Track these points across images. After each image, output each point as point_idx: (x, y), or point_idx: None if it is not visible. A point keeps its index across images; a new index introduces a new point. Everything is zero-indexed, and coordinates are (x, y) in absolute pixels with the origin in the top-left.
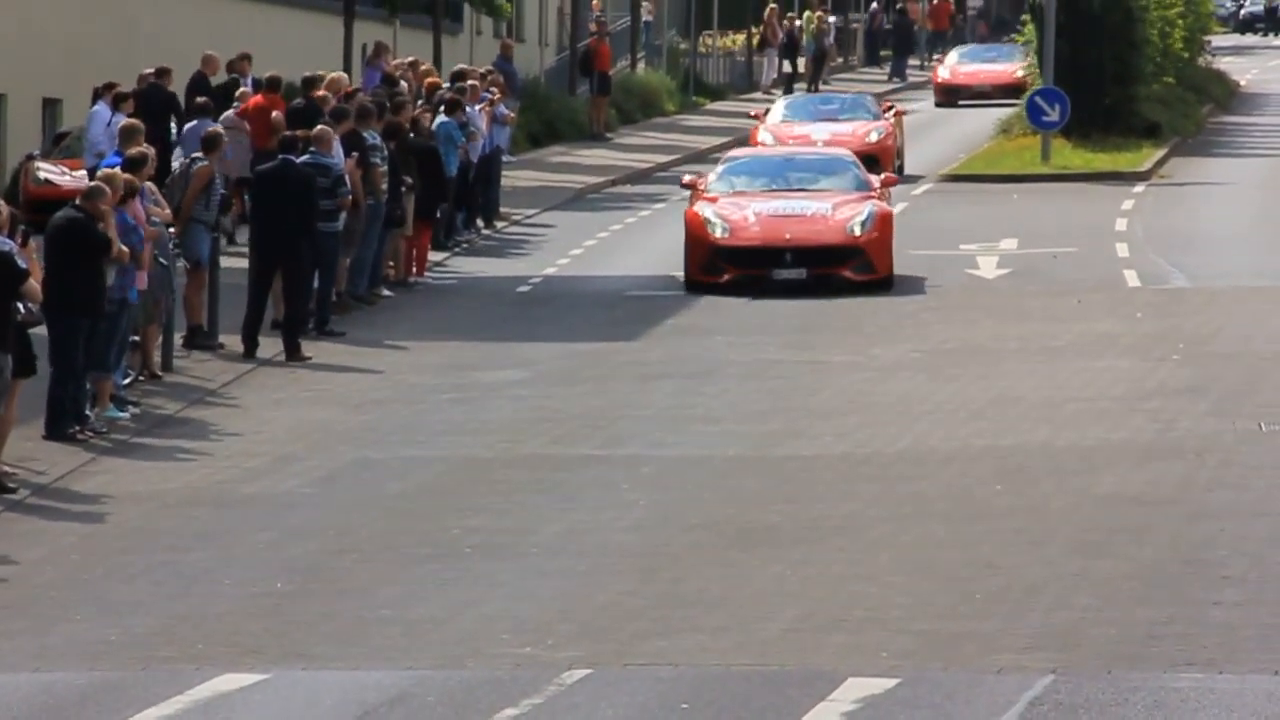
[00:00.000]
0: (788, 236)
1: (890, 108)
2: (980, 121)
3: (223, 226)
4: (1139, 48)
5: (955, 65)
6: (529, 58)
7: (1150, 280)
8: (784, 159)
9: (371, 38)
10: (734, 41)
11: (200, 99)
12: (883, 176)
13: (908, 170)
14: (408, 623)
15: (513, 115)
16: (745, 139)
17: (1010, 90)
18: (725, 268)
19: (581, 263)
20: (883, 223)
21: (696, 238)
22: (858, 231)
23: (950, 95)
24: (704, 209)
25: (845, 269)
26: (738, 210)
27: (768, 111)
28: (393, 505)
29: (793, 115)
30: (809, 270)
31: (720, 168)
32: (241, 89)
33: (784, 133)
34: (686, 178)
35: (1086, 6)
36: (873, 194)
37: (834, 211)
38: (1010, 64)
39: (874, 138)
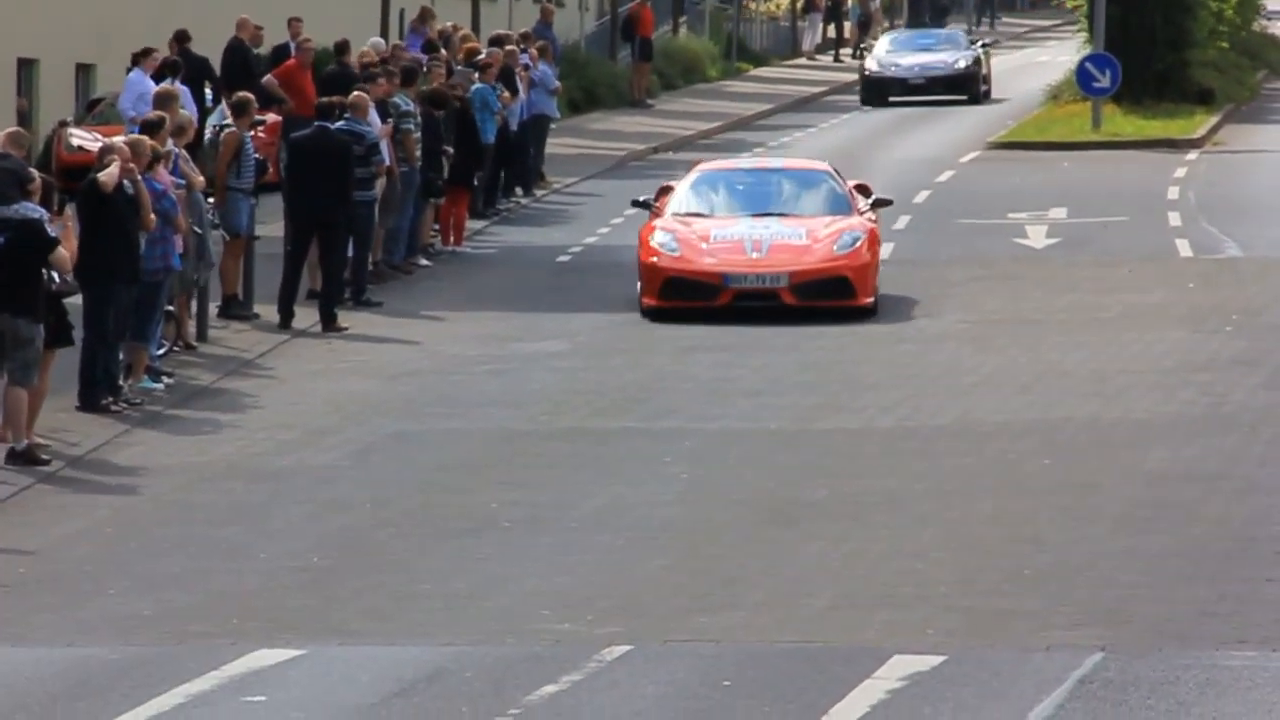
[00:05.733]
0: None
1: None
2: (1029, 87)
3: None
4: (1192, 11)
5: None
6: (569, 23)
7: (1203, 250)
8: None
9: (411, 2)
10: (777, 6)
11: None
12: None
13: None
14: (446, 597)
15: (558, 86)
16: (791, 104)
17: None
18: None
19: (622, 232)
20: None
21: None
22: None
23: None
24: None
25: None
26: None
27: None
28: (430, 478)
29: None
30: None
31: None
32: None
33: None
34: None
35: None
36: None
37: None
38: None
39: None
